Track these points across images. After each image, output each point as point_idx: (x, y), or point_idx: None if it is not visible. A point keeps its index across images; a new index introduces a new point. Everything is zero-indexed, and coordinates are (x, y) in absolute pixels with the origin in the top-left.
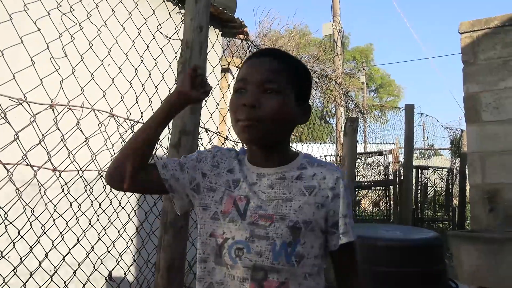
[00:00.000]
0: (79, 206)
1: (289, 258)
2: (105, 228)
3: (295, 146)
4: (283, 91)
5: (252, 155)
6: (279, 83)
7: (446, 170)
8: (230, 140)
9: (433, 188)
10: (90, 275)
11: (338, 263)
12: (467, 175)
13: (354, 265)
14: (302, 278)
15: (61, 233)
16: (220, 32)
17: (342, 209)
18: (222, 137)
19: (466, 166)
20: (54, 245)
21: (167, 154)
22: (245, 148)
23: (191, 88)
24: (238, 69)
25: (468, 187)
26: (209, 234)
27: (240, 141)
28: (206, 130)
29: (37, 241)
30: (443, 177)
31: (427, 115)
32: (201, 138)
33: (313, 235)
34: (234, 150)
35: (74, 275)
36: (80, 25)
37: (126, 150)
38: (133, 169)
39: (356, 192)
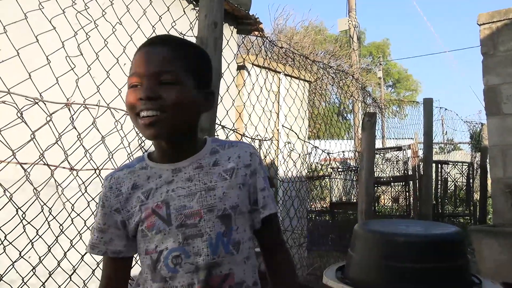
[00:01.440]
0: (97, 205)
1: (227, 248)
2: None
3: (313, 143)
4: (180, 80)
5: (161, 152)
6: (175, 73)
7: (467, 164)
8: (247, 137)
9: (453, 183)
10: None
11: (264, 239)
12: (488, 169)
13: (279, 237)
14: (243, 264)
15: (79, 232)
16: (235, 29)
17: (259, 184)
18: (239, 133)
19: (487, 160)
20: (73, 244)
21: None
22: (142, 155)
23: None
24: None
25: (489, 181)
26: (144, 252)
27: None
28: (223, 127)
29: (55, 241)
30: (463, 172)
31: (446, 109)
32: (217, 135)
33: (243, 219)
34: (125, 167)
35: (93, 274)
36: (95, 23)
37: None
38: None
39: (376, 188)
